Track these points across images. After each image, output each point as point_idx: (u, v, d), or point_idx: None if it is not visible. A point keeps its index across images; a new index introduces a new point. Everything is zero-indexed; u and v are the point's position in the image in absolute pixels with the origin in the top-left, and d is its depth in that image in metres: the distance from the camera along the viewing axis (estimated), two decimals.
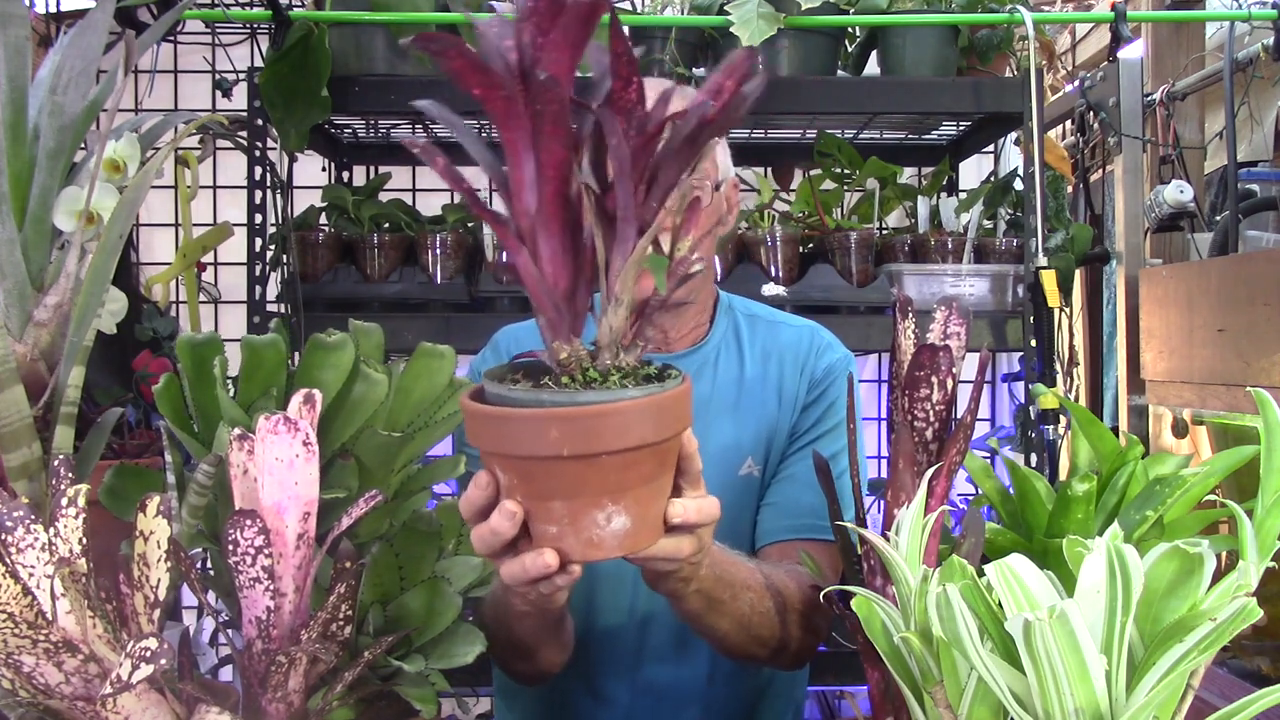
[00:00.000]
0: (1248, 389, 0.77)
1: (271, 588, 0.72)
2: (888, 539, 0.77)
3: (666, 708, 1.29)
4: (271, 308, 2.10)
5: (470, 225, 2.20)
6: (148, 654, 0.65)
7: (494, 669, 1.32)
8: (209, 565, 0.93)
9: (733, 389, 1.32)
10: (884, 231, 2.34)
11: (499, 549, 0.77)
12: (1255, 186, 2.44)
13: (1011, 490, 0.95)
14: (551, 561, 0.73)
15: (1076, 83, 2.42)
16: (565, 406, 0.69)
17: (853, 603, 0.75)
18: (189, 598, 1.86)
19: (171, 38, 2.52)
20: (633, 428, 0.70)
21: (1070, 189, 2.52)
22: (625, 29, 0.68)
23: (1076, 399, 2.60)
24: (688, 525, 0.80)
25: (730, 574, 1.03)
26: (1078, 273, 2.42)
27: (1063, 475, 1.75)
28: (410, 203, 2.32)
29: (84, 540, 0.71)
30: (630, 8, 2.38)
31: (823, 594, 0.85)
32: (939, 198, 2.31)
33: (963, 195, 2.36)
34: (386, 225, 2.22)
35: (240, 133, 2.02)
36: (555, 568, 0.73)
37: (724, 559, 1.02)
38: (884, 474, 1.27)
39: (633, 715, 1.30)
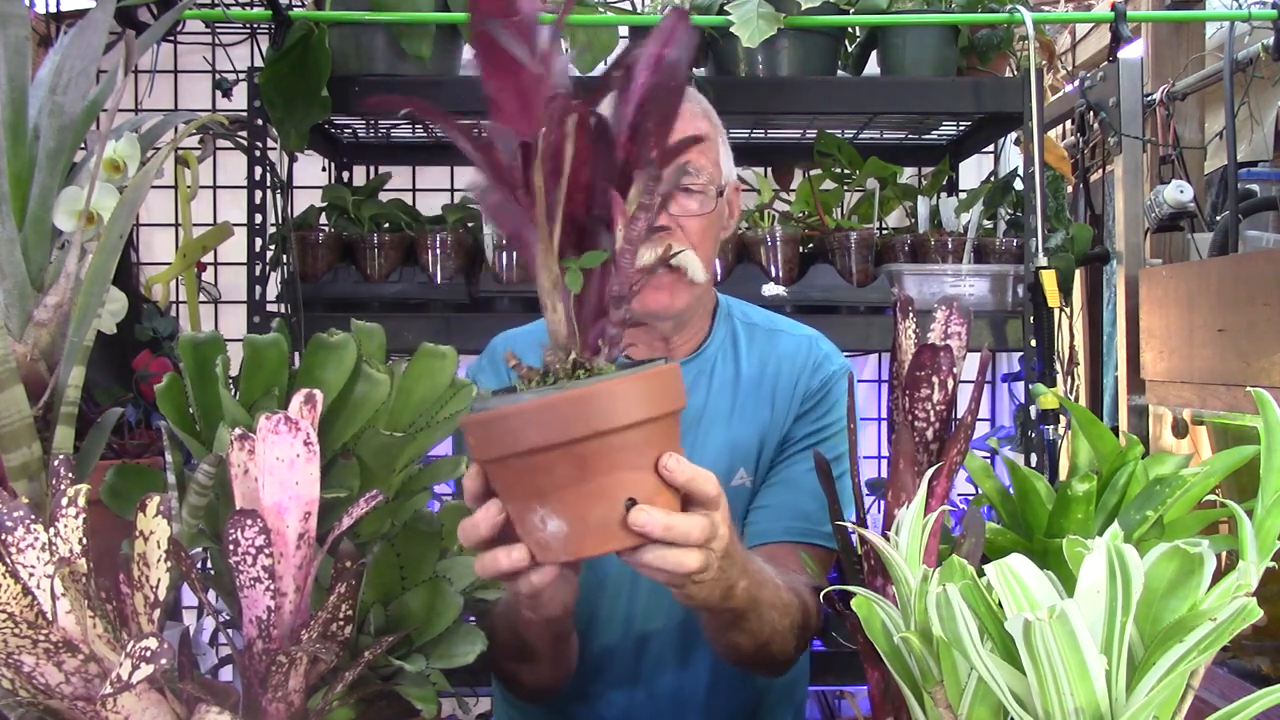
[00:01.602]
0: (1248, 389, 0.77)
1: (272, 587, 0.73)
2: (888, 539, 0.77)
3: (666, 713, 1.29)
4: (271, 308, 2.10)
5: (470, 225, 2.20)
6: (148, 654, 0.65)
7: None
8: (209, 565, 0.93)
9: (727, 398, 1.31)
10: (884, 231, 2.33)
11: (475, 544, 0.81)
12: (1255, 186, 2.44)
13: (1011, 490, 0.95)
14: (519, 556, 0.77)
15: (1076, 83, 2.42)
16: (476, 413, 0.75)
17: (853, 603, 0.75)
18: (189, 598, 1.86)
19: (171, 38, 2.51)
20: (523, 431, 0.72)
21: (1070, 189, 2.51)
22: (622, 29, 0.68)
23: (1076, 399, 2.60)
24: (649, 536, 0.76)
25: (761, 596, 1.01)
26: (1078, 273, 2.42)
27: (1063, 475, 1.75)
28: (410, 203, 2.32)
29: (84, 540, 0.71)
30: (630, 8, 2.37)
31: (823, 594, 0.85)
32: (939, 198, 2.31)
33: (963, 195, 2.36)
34: (386, 225, 2.21)
35: (240, 133, 2.02)
36: (525, 563, 0.77)
37: (760, 578, 1.01)
38: (884, 474, 1.27)
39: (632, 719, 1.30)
